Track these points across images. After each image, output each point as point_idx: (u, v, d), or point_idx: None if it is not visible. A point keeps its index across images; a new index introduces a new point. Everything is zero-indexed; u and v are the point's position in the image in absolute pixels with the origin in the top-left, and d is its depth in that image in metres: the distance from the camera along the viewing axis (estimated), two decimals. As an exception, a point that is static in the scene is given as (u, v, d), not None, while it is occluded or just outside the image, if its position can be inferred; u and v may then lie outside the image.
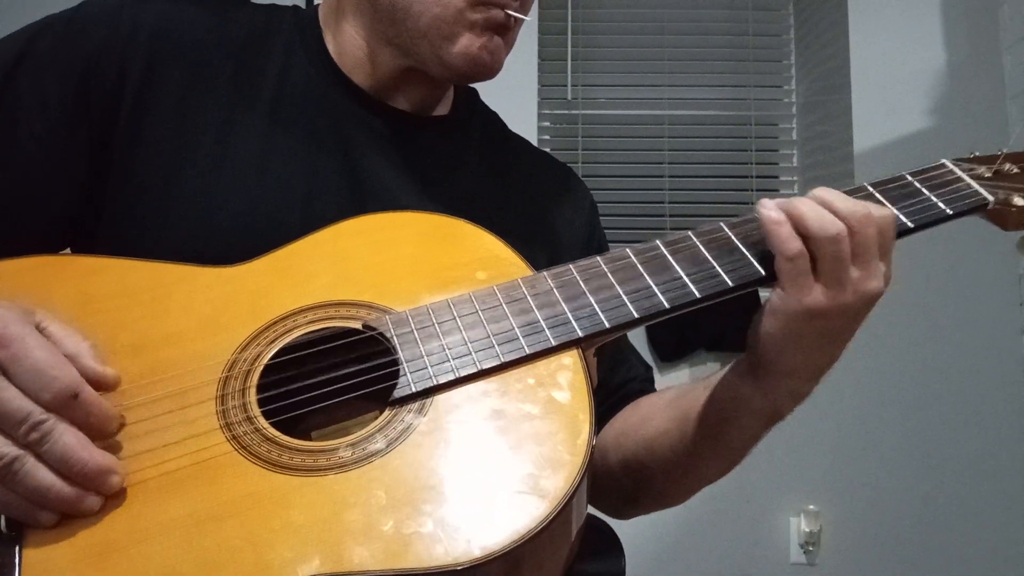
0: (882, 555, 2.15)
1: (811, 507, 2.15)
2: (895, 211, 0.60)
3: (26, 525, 0.46)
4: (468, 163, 0.78)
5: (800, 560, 2.15)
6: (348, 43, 0.74)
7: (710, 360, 2.24)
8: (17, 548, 0.45)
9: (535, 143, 2.32)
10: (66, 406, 0.46)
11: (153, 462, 0.49)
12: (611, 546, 0.71)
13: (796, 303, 0.55)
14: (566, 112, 2.53)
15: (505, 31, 0.70)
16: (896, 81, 2.24)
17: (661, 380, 0.85)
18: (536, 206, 0.80)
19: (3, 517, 0.46)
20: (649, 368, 0.85)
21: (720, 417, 0.65)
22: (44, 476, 0.45)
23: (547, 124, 2.52)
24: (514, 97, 2.39)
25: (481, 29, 0.68)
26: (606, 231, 0.87)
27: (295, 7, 0.78)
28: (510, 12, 0.69)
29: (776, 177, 2.59)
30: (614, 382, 0.80)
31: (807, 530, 2.13)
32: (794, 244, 0.55)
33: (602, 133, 2.54)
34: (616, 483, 0.75)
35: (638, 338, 2.20)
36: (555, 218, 0.80)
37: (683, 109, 2.53)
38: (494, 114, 0.87)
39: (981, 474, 2.15)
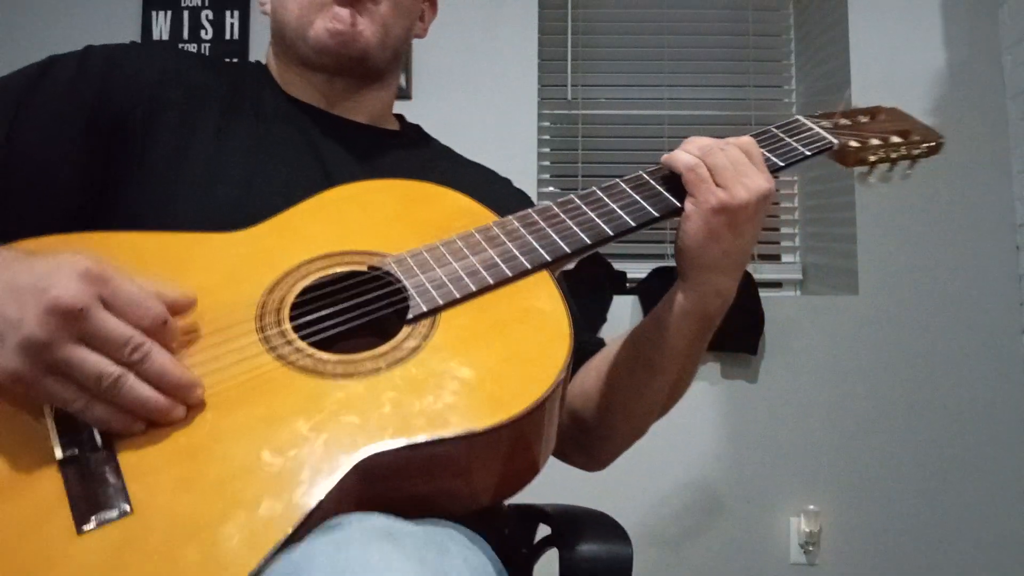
0: (882, 555, 2.14)
1: (811, 507, 2.15)
2: (766, 152, 0.80)
3: (120, 436, 0.54)
4: (426, 163, 0.91)
5: (800, 560, 2.15)
6: (279, 71, 0.90)
7: (710, 360, 2.23)
8: (114, 456, 0.53)
9: (535, 143, 2.35)
10: (158, 331, 0.55)
11: (217, 380, 0.58)
12: (619, 535, 0.79)
13: (704, 203, 0.71)
14: (566, 112, 2.53)
15: (357, 1, 0.82)
16: (896, 81, 2.23)
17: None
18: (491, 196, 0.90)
19: (97, 433, 0.54)
20: (598, 338, 0.94)
21: (660, 325, 0.76)
22: (144, 389, 0.53)
23: (547, 124, 2.52)
24: (514, 97, 2.40)
25: (331, 6, 0.82)
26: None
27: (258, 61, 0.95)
28: None
29: (776, 177, 2.59)
30: None
31: (807, 530, 2.13)
32: (691, 157, 0.73)
33: (602, 133, 2.54)
34: (583, 425, 0.84)
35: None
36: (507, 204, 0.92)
37: (683, 109, 2.53)
38: (447, 147, 1.00)
39: (981, 474, 2.15)
